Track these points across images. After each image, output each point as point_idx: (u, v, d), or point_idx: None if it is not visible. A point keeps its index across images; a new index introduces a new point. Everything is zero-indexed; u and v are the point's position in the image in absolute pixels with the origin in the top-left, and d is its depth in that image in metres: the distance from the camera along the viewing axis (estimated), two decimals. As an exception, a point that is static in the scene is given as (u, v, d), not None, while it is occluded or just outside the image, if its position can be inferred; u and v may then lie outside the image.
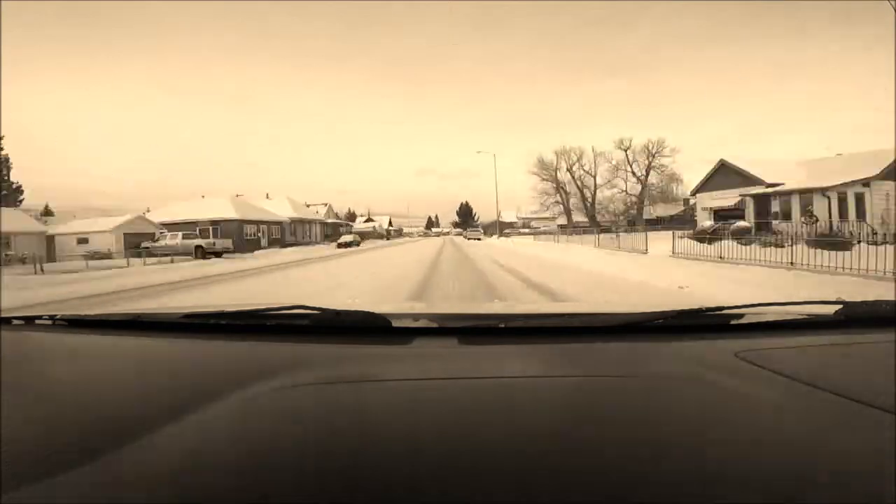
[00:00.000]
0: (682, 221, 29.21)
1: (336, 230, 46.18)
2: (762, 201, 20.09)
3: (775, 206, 19.06)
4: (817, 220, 8.63)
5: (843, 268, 7.05)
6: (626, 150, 37.32)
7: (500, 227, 48.58)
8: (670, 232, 13.06)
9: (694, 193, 26.60)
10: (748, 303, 0.93)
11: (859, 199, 16.90)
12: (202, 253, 19.66)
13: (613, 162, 38.40)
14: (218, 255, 19.81)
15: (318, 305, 0.91)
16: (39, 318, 1.05)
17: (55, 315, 1.04)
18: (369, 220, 78.24)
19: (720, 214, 20.99)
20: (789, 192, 18.69)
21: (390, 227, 77.40)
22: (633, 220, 35.50)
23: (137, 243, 21.79)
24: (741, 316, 0.92)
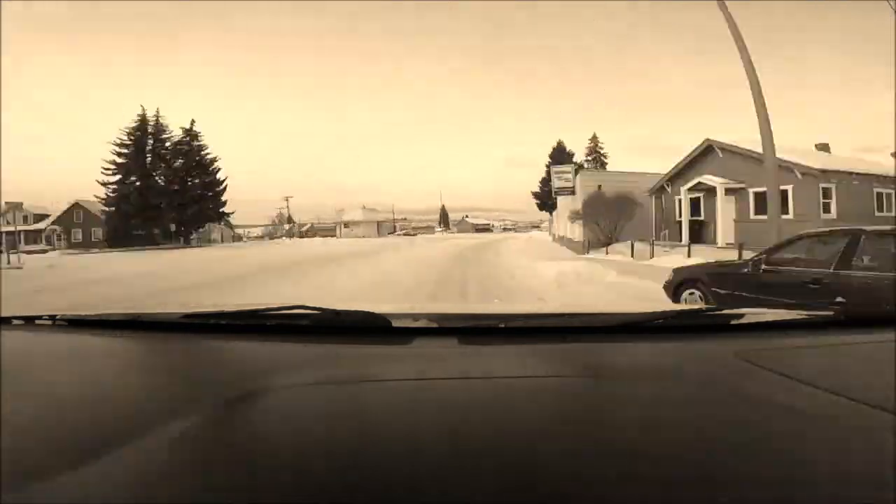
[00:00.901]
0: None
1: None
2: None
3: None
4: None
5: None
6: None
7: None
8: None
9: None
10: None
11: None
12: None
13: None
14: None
15: (318, 305, 0.92)
16: (39, 317, 1.05)
17: (55, 315, 1.04)
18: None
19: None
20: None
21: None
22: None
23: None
24: (741, 316, 0.92)
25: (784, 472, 0.41)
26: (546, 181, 33.91)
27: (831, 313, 0.89)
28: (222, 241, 44.53)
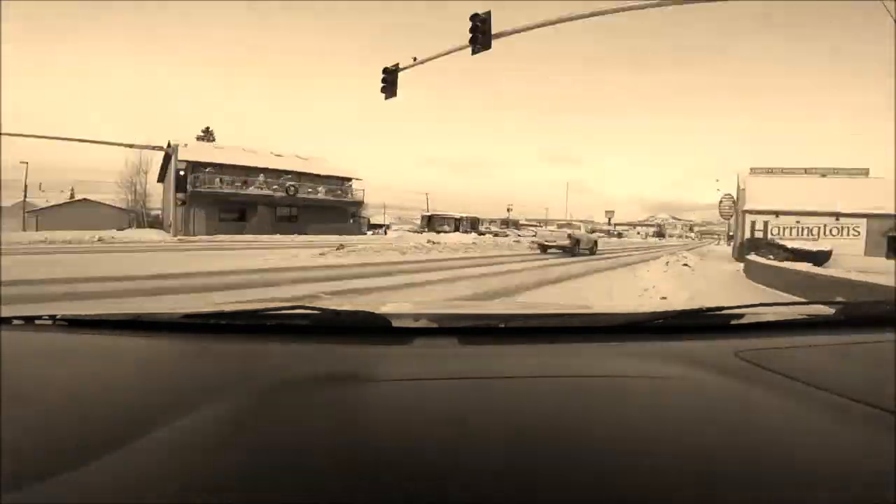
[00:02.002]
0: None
1: None
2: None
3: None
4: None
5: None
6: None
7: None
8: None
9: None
10: (748, 303, 0.93)
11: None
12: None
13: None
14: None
15: (318, 305, 0.92)
16: (39, 318, 1.05)
17: (55, 315, 1.05)
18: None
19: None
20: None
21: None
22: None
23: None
24: (741, 316, 0.92)
25: (784, 472, 0.41)
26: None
27: (831, 313, 0.89)
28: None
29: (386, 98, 11.40)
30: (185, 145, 25.01)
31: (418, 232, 30.95)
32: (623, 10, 9.84)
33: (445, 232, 29.52)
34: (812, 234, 18.91)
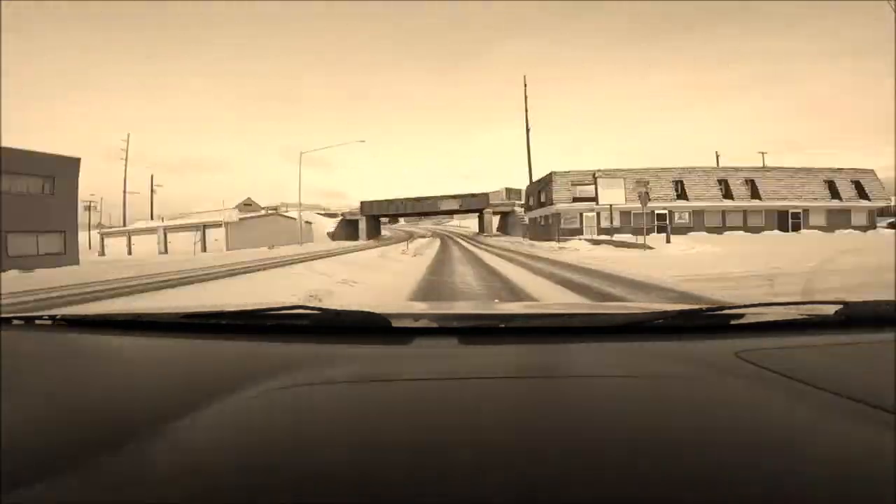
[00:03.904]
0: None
1: None
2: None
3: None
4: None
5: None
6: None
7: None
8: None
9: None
10: (749, 303, 0.93)
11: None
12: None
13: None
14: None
15: (318, 305, 0.92)
16: (40, 317, 1.05)
17: (55, 315, 1.05)
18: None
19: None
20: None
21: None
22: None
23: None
24: (742, 316, 0.92)
25: (784, 472, 0.41)
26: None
27: (831, 313, 0.89)
28: None
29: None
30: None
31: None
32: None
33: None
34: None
